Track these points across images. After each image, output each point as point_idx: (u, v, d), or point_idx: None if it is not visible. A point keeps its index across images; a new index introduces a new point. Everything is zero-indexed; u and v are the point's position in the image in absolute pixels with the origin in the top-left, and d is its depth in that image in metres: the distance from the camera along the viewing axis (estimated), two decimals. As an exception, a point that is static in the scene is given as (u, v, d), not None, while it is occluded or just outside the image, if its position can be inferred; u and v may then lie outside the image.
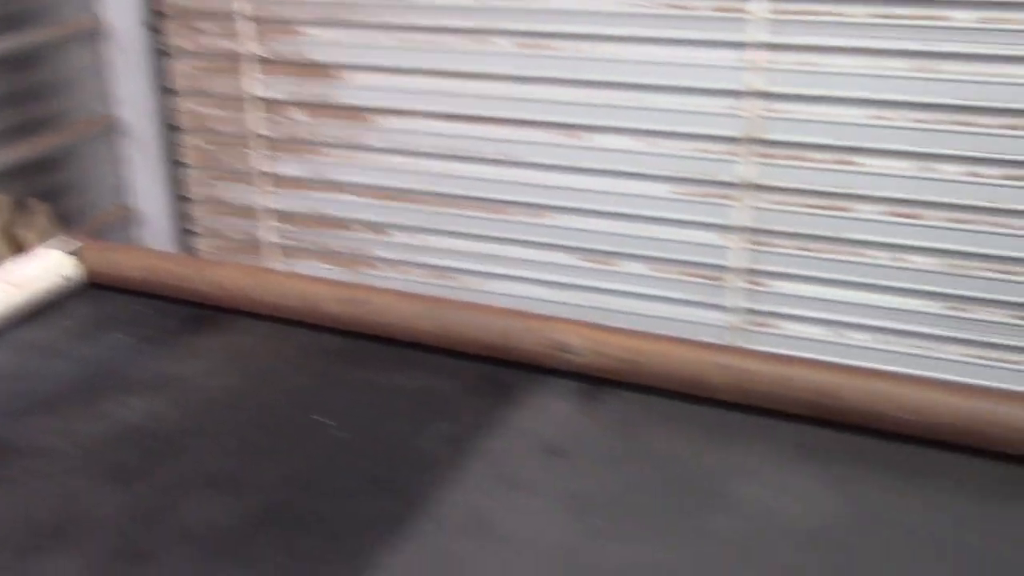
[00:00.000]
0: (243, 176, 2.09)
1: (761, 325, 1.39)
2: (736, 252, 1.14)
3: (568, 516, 0.90)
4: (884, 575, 0.81)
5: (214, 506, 0.94)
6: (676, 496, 0.91)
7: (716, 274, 1.37)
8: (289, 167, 2.04)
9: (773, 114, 1.57)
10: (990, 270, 1.22)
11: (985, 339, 1.04)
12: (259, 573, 0.85)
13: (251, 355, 1.17)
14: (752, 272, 1.21)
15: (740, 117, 1.59)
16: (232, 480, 0.97)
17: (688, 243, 1.51)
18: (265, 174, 2.06)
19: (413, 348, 1.13)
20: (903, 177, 1.52)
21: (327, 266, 2.07)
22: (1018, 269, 1.16)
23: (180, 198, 2.17)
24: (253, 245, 2.11)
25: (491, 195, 1.79)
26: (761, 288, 1.04)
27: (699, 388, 1.00)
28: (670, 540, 0.86)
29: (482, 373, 1.10)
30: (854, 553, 0.84)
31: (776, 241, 1.40)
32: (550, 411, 1.03)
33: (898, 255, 1.12)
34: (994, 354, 1.10)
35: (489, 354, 1.10)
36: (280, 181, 2.06)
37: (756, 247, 1.31)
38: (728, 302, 1.05)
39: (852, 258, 1.39)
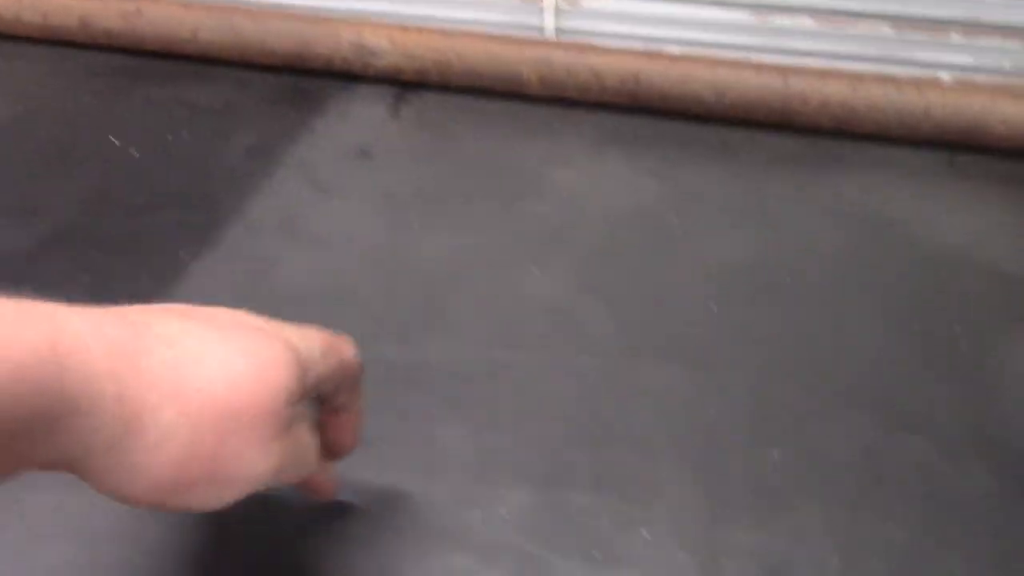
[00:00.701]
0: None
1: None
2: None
3: (381, 214, 0.88)
4: (695, 246, 0.84)
5: (1, 232, 0.88)
6: (488, 187, 0.90)
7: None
8: None
9: None
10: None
11: (790, 46, 1.04)
12: (59, 294, 0.80)
13: (23, 81, 1.07)
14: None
15: None
16: (20, 207, 0.90)
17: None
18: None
19: (205, 63, 1.06)
20: None
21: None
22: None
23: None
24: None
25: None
26: (574, 6, 1.01)
27: (509, 84, 0.98)
28: (485, 227, 0.86)
29: (284, 84, 1.04)
30: (667, 228, 0.86)
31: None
32: (358, 116, 0.99)
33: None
34: (799, 60, 1.12)
35: (289, 64, 1.04)
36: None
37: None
38: (545, 23, 1.02)
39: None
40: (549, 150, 0.94)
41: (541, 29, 1.05)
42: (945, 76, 0.96)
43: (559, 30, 1.05)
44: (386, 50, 0.99)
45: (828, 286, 0.80)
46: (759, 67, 0.93)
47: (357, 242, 0.84)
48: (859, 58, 0.98)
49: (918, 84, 0.91)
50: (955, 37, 0.95)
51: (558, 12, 1.03)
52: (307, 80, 1.04)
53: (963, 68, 0.96)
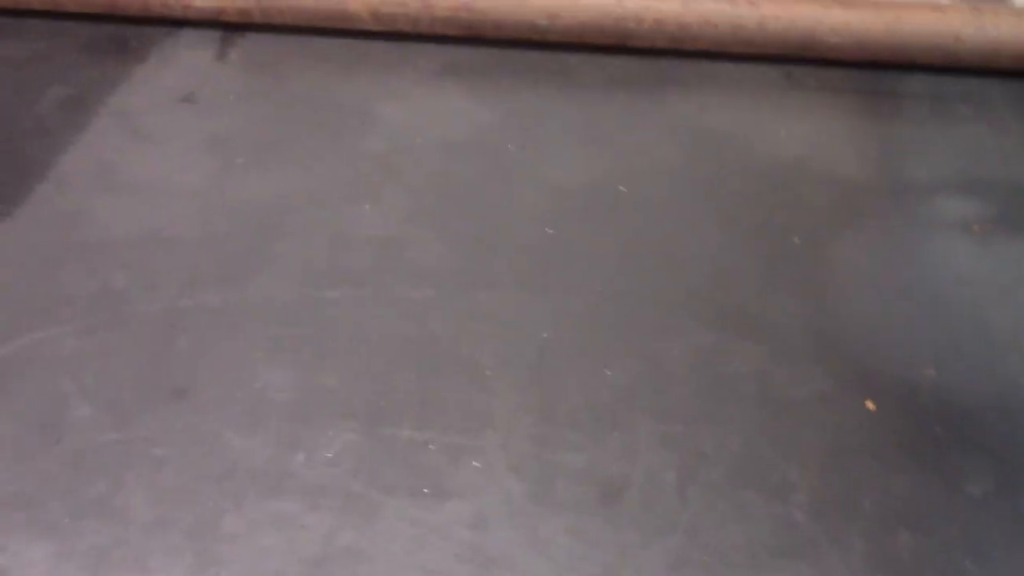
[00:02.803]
0: None
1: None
2: None
3: (205, 157, 0.83)
4: (532, 171, 0.82)
5: None
6: (319, 125, 0.86)
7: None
8: None
9: None
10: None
11: None
12: None
13: None
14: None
15: None
16: None
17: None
18: None
19: (10, 15, 0.99)
20: None
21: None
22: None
23: None
24: None
25: None
26: None
27: (339, 20, 0.94)
28: (314, 166, 0.82)
29: (101, 32, 0.98)
30: (504, 155, 0.83)
31: None
32: (182, 61, 0.94)
33: None
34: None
35: (104, 11, 0.97)
36: None
37: None
38: None
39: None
40: (383, 85, 0.91)
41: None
42: None
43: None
44: (205, -10, 0.94)
45: (667, 202, 0.78)
46: (591, -13, 0.90)
47: (178, 187, 0.80)
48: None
49: (751, -3, 0.89)
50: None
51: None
52: (126, 27, 0.98)
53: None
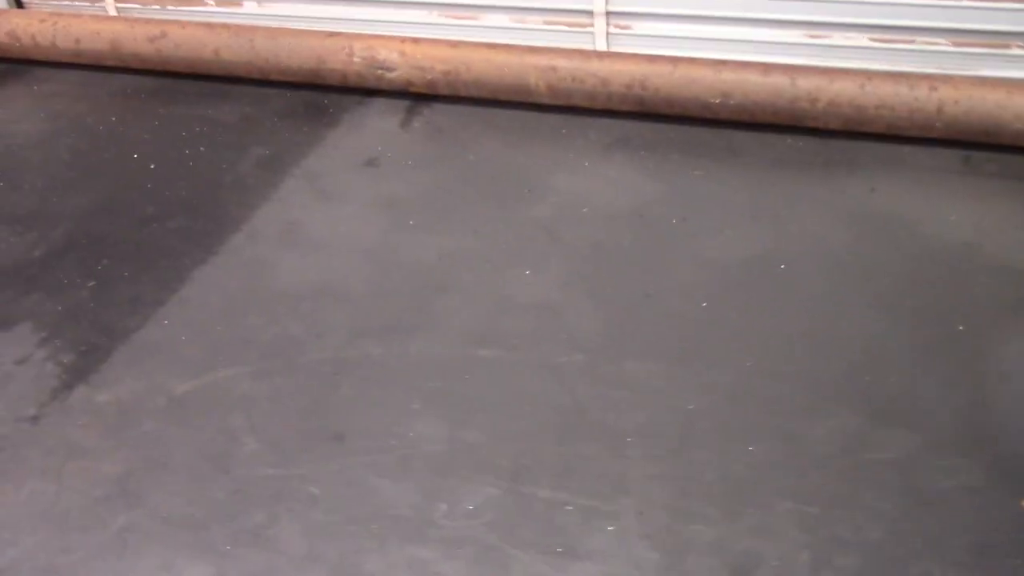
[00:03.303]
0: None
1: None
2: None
3: (381, 219, 0.89)
4: (693, 245, 0.83)
5: (16, 241, 0.91)
6: (491, 192, 0.90)
7: (581, 20, 1.31)
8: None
9: None
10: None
11: (844, 64, 1.00)
12: (65, 299, 0.83)
13: (56, 103, 1.11)
14: (614, 15, 1.15)
15: None
16: (37, 217, 0.94)
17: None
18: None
19: (226, 81, 1.09)
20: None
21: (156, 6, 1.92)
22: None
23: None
24: None
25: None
26: (625, 31, 1.00)
27: (519, 93, 0.98)
28: (483, 230, 0.86)
29: (301, 99, 1.06)
30: (667, 229, 0.85)
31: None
32: (370, 128, 1.01)
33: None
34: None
35: (305, 80, 1.06)
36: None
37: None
38: (596, 46, 1.01)
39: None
40: (555, 156, 0.94)
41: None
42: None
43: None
44: (397, 63, 1.01)
45: (826, 283, 0.77)
46: (765, 67, 0.91)
47: (352, 245, 0.85)
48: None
49: (930, 80, 0.88)
50: (1016, 49, 0.92)
51: (607, 36, 1.03)
52: (324, 95, 1.06)
53: None
